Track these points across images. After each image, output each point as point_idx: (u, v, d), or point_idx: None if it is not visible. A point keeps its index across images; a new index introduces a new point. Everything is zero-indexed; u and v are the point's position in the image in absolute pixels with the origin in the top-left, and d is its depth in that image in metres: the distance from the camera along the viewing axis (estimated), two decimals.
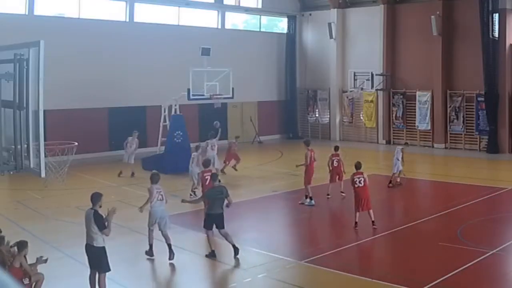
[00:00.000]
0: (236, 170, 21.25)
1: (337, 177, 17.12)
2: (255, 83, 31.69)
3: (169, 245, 11.59)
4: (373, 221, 13.38)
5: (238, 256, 11.68)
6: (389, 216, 15.48)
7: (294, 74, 33.78)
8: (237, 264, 11.56)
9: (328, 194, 17.02)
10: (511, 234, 13.55)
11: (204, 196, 12.15)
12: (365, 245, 12.83)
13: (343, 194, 16.95)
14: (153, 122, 25.07)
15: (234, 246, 11.76)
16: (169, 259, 11.54)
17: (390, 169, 19.24)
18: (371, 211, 13.46)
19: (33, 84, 6.99)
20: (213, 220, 11.76)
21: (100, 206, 9.43)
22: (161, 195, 11.79)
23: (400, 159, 18.60)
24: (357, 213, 13.54)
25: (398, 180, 18.77)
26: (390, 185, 18.65)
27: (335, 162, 17.16)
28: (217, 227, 11.77)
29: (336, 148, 17.75)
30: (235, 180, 20.31)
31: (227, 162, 21.45)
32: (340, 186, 17.07)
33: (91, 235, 9.25)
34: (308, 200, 16.30)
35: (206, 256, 11.75)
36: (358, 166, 13.83)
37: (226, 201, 11.87)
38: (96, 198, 9.40)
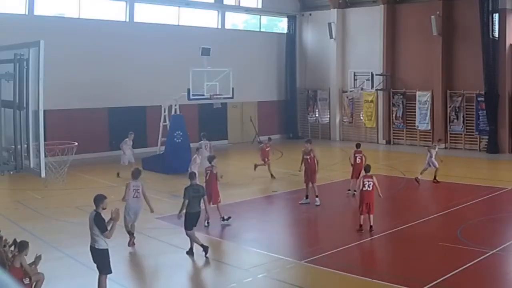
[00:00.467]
0: (254, 170, 20.65)
1: (359, 174, 17.11)
2: (255, 83, 31.69)
3: (132, 233, 12.44)
4: (371, 226, 13.20)
5: (188, 254, 11.80)
6: (389, 216, 15.46)
7: (294, 74, 33.78)
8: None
9: (349, 190, 17.12)
10: (511, 234, 13.55)
11: (183, 196, 12.16)
12: (365, 245, 12.82)
13: (355, 192, 16.91)
14: (153, 122, 25.08)
15: (191, 248, 11.82)
16: (128, 245, 12.30)
17: (389, 169, 19.27)
18: (372, 216, 13.26)
19: (33, 84, 6.99)
20: (192, 219, 11.85)
21: (104, 208, 9.41)
22: (138, 192, 12.31)
23: (433, 156, 18.84)
24: (362, 216, 13.30)
25: (419, 177, 18.95)
26: (435, 180, 18.94)
27: (357, 159, 17.31)
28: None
29: (358, 145, 17.94)
30: (235, 180, 20.30)
31: (266, 160, 20.80)
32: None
33: (93, 237, 9.31)
34: (317, 199, 16.28)
35: (205, 256, 11.75)
36: (367, 169, 13.61)
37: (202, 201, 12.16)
38: (98, 200, 9.40)
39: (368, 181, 13.25)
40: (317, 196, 16.29)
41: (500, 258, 11.54)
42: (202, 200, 12.18)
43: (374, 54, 30.13)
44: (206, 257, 11.74)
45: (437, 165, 19.01)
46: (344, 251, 12.20)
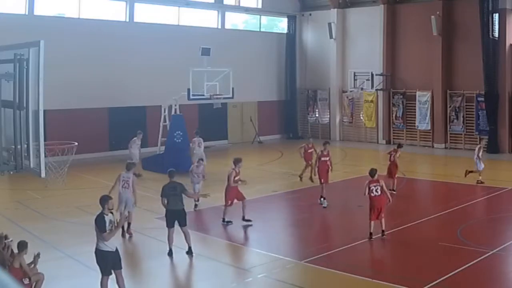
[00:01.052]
0: (312, 181, 18.83)
1: (390, 172, 17.43)
2: (255, 83, 31.68)
3: (129, 224, 13.05)
4: (383, 230, 12.85)
5: (188, 254, 11.84)
6: (389, 216, 15.40)
7: (294, 74, 33.77)
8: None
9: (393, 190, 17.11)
10: (511, 234, 13.55)
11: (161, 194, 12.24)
12: (365, 245, 12.79)
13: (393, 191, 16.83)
14: (153, 122, 25.08)
15: (190, 248, 11.84)
16: (122, 236, 12.75)
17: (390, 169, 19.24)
18: (383, 220, 12.86)
19: (33, 84, 7.00)
20: (172, 216, 11.86)
21: (110, 209, 9.39)
22: (127, 183, 13.01)
23: (479, 157, 18.74)
24: (372, 222, 12.79)
25: (480, 178, 18.77)
26: (468, 172, 18.84)
27: (391, 157, 17.59)
28: (179, 224, 11.87)
29: (400, 146, 18.33)
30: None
31: (309, 163, 19.47)
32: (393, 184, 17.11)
33: (96, 238, 9.30)
34: (322, 199, 16.31)
35: (168, 255, 11.83)
36: (373, 173, 12.93)
37: (190, 195, 12.59)
38: (103, 200, 9.38)
39: (375, 186, 12.76)
40: (322, 197, 16.33)
41: (500, 258, 11.54)
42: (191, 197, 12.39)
43: (374, 54, 30.12)
44: (169, 256, 11.80)
45: (482, 166, 18.77)
46: (344, 251, 12.20)
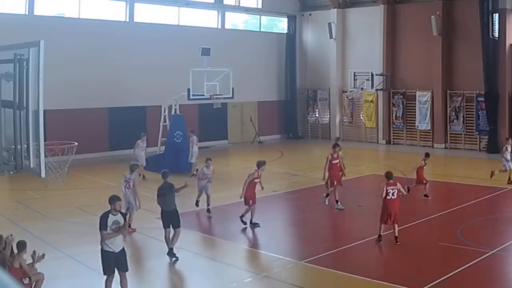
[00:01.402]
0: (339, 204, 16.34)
1: (418, 179, 17.22)
2: (255, 83, 31.68)
3: (129, 224, 12.70)
4: (396, 237, 12.50)
5: (174, 260, 11.67)
6: None
7: (294, 74, 33.77)
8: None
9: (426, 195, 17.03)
10: (511, 234, 13.55)
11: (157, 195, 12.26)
12: (365, 245, 12.80)
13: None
14: (153, 122, 25.08)
15: (171, 249, 11.72)
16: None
17: (390, 169, 19.22)
18: (396, 225, 12.53)
19: (33, 84, 7.00)
20: (166, 217, 11.89)
21: (117, 210, 9.34)
22: (129, 184, 13.26)
23: (508, 157, 18.60)
24: (382, 226, 12.58)
25: (495, 173, 18.63)
26: (510, 181, 18.69)
27: (420, 165, 17.33)
28: (172, 226, 11.86)
29: (427, 155, 17.79)
30: (235, 180, 20.27)
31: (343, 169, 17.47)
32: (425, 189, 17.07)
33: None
34: (325, 200, 16.27)
35: (168, 254, 11.77)
36: (390, 176, 12.55)
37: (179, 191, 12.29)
38: (111, 200, 9.38)
39: (392, 189, 12.42)
40: (327, 196, 16.32)
41: (500, 258, 11.54)
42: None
43: (374, 54, 30.12)
44: (171, 259, 11.71)
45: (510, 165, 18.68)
46: (344, 251, 12.20)
